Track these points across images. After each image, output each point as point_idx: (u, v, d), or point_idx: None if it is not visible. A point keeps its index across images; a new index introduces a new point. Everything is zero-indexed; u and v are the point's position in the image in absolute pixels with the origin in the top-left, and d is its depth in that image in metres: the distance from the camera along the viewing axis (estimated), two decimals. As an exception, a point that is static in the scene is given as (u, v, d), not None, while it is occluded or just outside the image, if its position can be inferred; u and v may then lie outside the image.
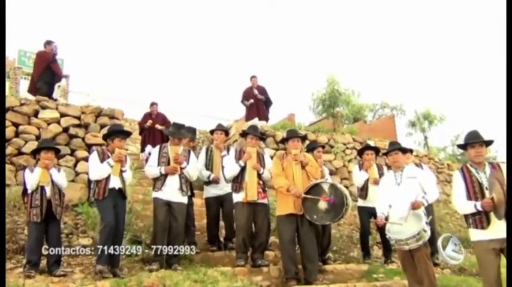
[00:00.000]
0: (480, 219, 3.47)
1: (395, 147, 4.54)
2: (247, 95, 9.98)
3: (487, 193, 3.49)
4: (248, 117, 9.94)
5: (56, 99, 7.72)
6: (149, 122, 8.79)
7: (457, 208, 3.77)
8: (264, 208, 5.01)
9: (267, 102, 10.10)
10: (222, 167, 5.43)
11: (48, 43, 7.91)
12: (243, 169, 4.96)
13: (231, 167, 5.02)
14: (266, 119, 10.11)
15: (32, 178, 4.57)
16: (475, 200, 3.51)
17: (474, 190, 3.58)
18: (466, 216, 3.65)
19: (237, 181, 4.98)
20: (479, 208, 3.44)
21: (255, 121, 9.76)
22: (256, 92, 9.80)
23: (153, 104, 9.17)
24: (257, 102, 9.83)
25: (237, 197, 4.96)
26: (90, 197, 4.71)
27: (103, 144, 5.63)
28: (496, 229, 3.39)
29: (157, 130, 8.77)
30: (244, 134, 5.32)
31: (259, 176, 4.97)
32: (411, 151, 6.32)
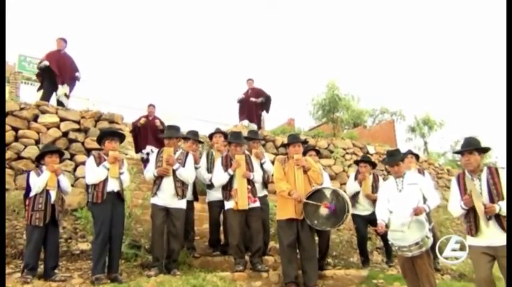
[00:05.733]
0: (470, 227, 3.60)
1: (397, 159, 4.45)
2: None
3: (480, 199, 3.52)
4: (239, 117, 9.84)
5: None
6: (143, 120, 8.34)
7: (451, 212, 3.89)
8: (257, 212, 4.98)
9: (266, 104, 9.84)
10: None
11: (60, 39, 7.95)
12: (231, 176, 4.96)
13: (220, 176, 4.99)
14: (258, 123, 9.85)
15: (40, 181, 4.54)
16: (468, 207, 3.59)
17: None
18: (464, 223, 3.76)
19: (227, 189, 4.98)
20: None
21: (245, 123, 9.68)
22: (249, 93, 9.69)
23: (150, 106, 8.73)
24: (248, 104, 9.68)
25: (228, 205, 4.96)
26: (88, 201, 4.67)
27: (101, 149, 5.63)
28: (485, 237, 3.49)
29: (150, 131, 8.61)
30: (228, 143, 5.26)
31: (249, 181, 4.98)
32: (417, 157, 6.27)
